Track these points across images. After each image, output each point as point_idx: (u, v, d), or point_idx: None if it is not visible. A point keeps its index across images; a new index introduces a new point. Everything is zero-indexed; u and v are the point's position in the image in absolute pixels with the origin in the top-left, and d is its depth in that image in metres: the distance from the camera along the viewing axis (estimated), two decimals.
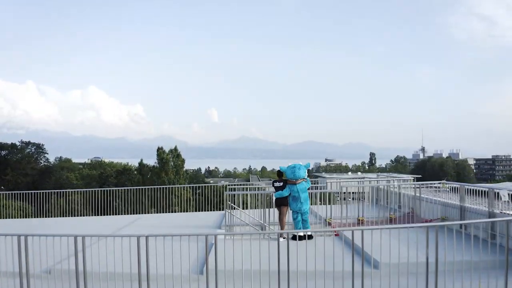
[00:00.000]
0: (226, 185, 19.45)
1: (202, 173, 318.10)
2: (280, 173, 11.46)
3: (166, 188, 21.65)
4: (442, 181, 12.62)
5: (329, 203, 13.11)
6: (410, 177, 15.40)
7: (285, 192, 10.73)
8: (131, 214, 19.22)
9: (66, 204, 22.50)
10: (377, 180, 17.60)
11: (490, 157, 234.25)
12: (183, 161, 48.68)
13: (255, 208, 15.45)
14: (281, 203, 10.94)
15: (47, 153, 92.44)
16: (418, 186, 13.10)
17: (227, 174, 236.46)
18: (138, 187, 20.96)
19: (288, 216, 11.32)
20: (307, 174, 11.00)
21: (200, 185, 26.56)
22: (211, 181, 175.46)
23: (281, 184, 10.97)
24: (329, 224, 12.55)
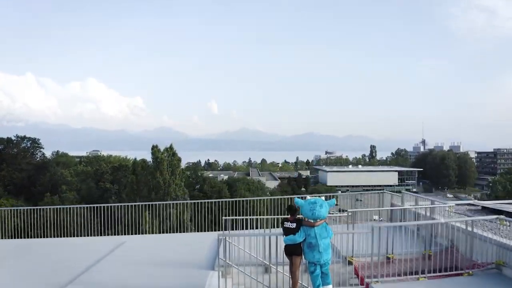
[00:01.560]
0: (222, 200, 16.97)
1: (202, 165, 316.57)
2: (292, 210, 8.41)
3: (161, 204, 19.53)
4: (500, 217, 9.84)
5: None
6: (453, 203, 12.66)
7: (298, 238, 7.89)
8: (118, 234, 17.07)
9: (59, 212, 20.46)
10: (402, 208, 14.51)
11: (491, 150, 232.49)
12: (179, 160, 46.10)
13: (258, 227, 13.22)
14: (293, 252, 8.14)
15: (43, 148, 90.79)
16: (467, 216, 10.38)
17: (227, 167, 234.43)
18: (130, 204, 18.43)
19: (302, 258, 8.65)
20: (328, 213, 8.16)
21: (199, 201, 24.16)
22: (211, 175, 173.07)
23: (294, 225, 8.09)
24: (351, 263, 10.07)
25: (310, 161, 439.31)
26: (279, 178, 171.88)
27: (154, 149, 44.95)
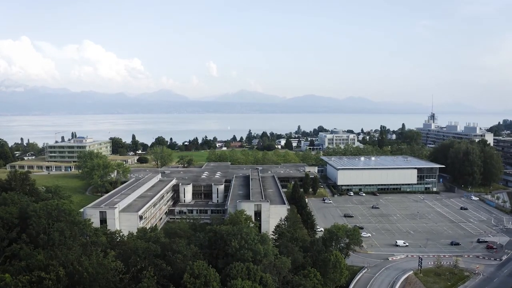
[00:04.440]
0: None
1: (199, 143, 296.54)
2: None
3: None
4: None
5: None
6: None
7: None
8: None
9: None
10: None
11: (501, 121, 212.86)
12: None
13: None
14: None
15: None
16: None
17: (223, 157, 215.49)
18: None
19: None
20: None
21: None
22: (204, 174, 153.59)
23: None
24: None
25: (313, 130, 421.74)
26: (285, 179, 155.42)
27: None
